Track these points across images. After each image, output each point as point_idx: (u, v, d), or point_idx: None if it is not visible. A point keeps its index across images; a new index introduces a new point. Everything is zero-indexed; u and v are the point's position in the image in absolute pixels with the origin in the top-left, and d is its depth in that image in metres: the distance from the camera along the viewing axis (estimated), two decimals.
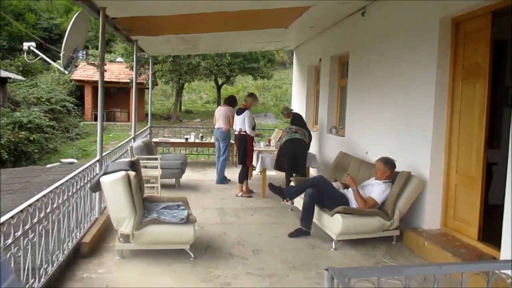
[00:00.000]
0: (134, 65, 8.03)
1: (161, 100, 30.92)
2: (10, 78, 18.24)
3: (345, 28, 7.21)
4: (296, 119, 7.47)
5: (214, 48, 11.24)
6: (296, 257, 4.42)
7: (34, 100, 18.52)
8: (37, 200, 3.12)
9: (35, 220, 3.08)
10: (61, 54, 4.23)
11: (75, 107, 21.32)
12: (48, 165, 11.11)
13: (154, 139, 10.18)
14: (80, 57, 4.59)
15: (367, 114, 6.29)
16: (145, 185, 6.96)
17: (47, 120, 17.12)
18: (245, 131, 6.97)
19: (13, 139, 14.41)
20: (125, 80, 23.32)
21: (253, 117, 7.32)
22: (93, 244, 4.38)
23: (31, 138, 15.26)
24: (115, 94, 24.04)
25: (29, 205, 3.02)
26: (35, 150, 15.41)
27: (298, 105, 10.29)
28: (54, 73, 24.75)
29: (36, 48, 4.49)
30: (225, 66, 22.47)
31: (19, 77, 19.79)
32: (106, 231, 4.80)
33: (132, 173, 3.97)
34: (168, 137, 11.27)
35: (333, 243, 4.67)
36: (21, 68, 21.49)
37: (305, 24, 7.36)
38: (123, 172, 3.95)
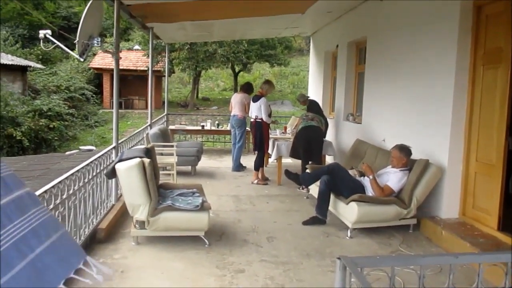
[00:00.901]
0: (150, 52, 8.03)
1: (178, 88, 31.05)
2: (30, 66, 18.51)
3: (363, 13, 7.06)
4: (313, 106, 7.41)
5: (229, 34, 11.15)
6: (310, 244, 4.40)
7: (54, 88, 18.79)
8: (53, 187, 3.16)
9: (51, 206, 3.12)
10: (76, 41, 4.23)
11: (93, 95, 21.57)
12: (67, 152, 11.29)
13: (171, 127, 10.22)
14: (95, 44, 4.59)
15: (385, 101, 6.18)
16: (161, 172, 7.02)
17: (66, 108, 17.36)
18: (261, 118, 6.94)
19: (33, 127, 14.68)
20: (142, 68, 23.46)
21: (269, 104, 7.27)
22: (110, 230, 4.43)
23: (51, 126, 15.53)
24: (133, 81, 24.21)
25: (45, 191, 3.06)
26: (55, 138, 15.68)
27: (314, 92, 10.18)
28: (73, 62, 25.05)
29: (54, 36, 4.50)
30: (242, 53, 22.36)
31: (39, 66, 20.06)
32: (122, 217, 4.85)
33: (146, 160, 3.98)
34: (185, 124, 11.30)
35: (348, 231, 4.63)
36: (40, 57, 21.80)
37: (322, 9, 7.22)
38: (138, 159, 3.97)
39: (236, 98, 7.92)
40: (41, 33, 4.50)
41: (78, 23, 4.34)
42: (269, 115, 7.12)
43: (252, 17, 7.13)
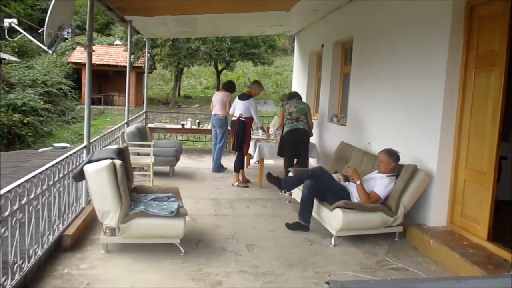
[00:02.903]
0: (128, 47, 7.70)
1: (160, 85, 30.53)
2: (4, 59, 17.82)
3: (350, 13, 6.86)
4: (293, 95, 6.99)
5: (213, 31, 10.86)
6: (293, 253, 4.16)
7: (30, 82, 18.12)
8: (9, 191, 2.84)
9: (7, 213, 2.80)
10: (41, 31, 3.89)
11: (71, 90, 20.92)
12: (40, 149, 10.82)
13: (150, 125, 9.87)
14: (66, 36, 4.25)
15: (371, 103, 5.99)
16: (138, 173, 6.71)
17: (42, 103, 16.75)
18: (245, 117, 6.67)
19: (6, 122, 14.07)
20: (123, 64, 22.90)
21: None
22: (77, 236, 4.11)
23: (25, 121, 14.93)
24: (113, 77, 23.64)
25: None
26: (29, 133, 15.07)
27: (298, 92, 9.95)
28: (51, 56, 24.29)
29: (33, 29, 4.14)
30: (225, 51, 22.10)
31: (14, 58, 19.35)
32: (93, 222, 4.52)
33: (118, 162, 3.68)
34: (165, 122, 10.96)
35: (333, 239, 4.41)
36: (16, 50, 21.05)
37: (308, 7, 7.00)
38: (109, 161, 3.67)
39: (218, 97, 7.63)
40: (6, 21, 4.14)
41: None
42: None
43: (236, 13, 6.85)
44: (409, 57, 4.99)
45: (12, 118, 14.43)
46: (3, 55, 17.98)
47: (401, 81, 5.16)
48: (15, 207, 2.92)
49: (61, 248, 3.85)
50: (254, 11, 6.85)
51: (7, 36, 4.21)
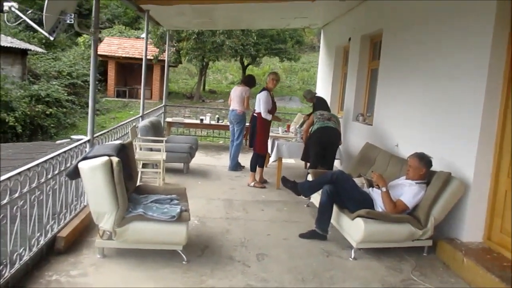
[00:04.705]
0: (145, 36, 7.42)
1: (185, 79, 30.45)
2: (30, 50, 17.92)
3: (380, 4, 6.34)
4: (321, 104, 6.76)
5: (233, 23, 10.40)
6: (307, 266, 3.75)
7: (55, 73, 18.18)
8: None
9: None
10: (43, 14, 3.58)
11: (97, 82, 20.93)
12: (58, 141, 10.70)
13: (168, 119, 9.58)
14: (68, 21, 3.94)
15: (400, 102, 5.47)
16: (151, 169, 6.41)
17: (66, 94, 16.74)
18: (257, 112, 6.26)
19: (29, 113, 14.07)
20: (149, 57, 22.84)
21: (274, 100, 6.50)
22: (73, 238, 3.80)
23: (48, 112, 14.92)
24: (139, 70, 23.56)
25: None
26: (52, 125, 15.07)
27: (323, 89, 9.49)
28: (79, 48, 24.49)
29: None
30: (251, 45, 21.68)
31: (40, 49, 19.45)
32: (92, 222, 4.11)
33: (115, 159, 3.34)
34: (183, 117, 10.66)
35: (353, 251, 3.97)
36: (43, 41, 21.20)
37: None
38: (105, 158, 3.33)
39: (236, 92, 7.23)
40: (6, 5, 3.86)
41: (89, 10, 3.76)
42: (271, 111, 6.35)
43: (255, 2, 6.43)
44: (444, 52, 4.47)
45: (35, 109, 14.43)
46: (29, 46, 18.10)
47: (434, 78, 4.64)
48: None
49: (54, 252, 3.55)
50: (275, 1, 6.42)
51: (6, 21, 3.93)
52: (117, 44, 24.14)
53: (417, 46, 5.09)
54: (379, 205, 4.10)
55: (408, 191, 4.00)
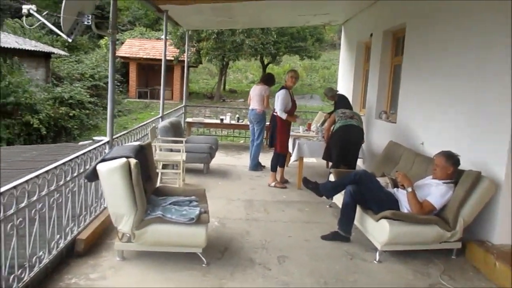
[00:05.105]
0: (164, 36, 7.43)
1: (206, 79, 30.53)
2: (53, 53, 18.25)
3: None
4: (343, 102, 6.62)
5: (252, 21, 10.29)
6: (330, 269, 3.63)
7: (78, 76, 18.48)
8: (14, 187, 2.52)
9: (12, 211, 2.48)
10: (60, 16, 3.57)
11: (119, 84, 21.22)
12: (80, 143, 10.83)
13: (188, 119, 9.57)
14: (86, 23, 3.93)
15: (425, 99, 5.28)
16: (171, 170, 6.38)
17: (88, 96, 17.00)
18: (277, 111, 6.17)
19: (53, 115, 14.33)
20: (169, 58, 22.99)
21: (293, 98, 6.36)
22: (93, 240, 3.79)
23: (71, 114, 15.16)
24: (159, 71, 23.76)
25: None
26: (75, 126, 15.32)
27: (344, 86, 9.31)
28: (101, 50, 24.85)
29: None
30: (271, 44, 21.56)
31: (63, 52, 19.81)
32: (111, 224, 4.12)
33: (133, 161, 3.30)
34: (203, 117, 10.64)
35: (377, 253, 3.83)
36: (67, 44, 21.58)
37: None
38: (123, 160, 3.30)
39: (255, 91, 7.14)
40: (25, 8, 3.88)
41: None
42: (289, 111, 6.19)
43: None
44: (472, 47, 4.26)
45: (59, 111, 14.69)
46: (52, 49, 18.43)
47: (461, 74, 4.45)
48: (11, 211, 2.59)
49: (73, 254, 3.53)
50: None
51: (25, 24, 3.95)
52: (138, 46, 24.40)
53: (443, 41, 4.90)
54: (405, 206, 3.95)
55: (435, 191, 3.83)
